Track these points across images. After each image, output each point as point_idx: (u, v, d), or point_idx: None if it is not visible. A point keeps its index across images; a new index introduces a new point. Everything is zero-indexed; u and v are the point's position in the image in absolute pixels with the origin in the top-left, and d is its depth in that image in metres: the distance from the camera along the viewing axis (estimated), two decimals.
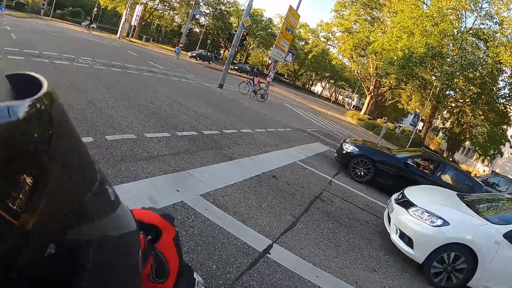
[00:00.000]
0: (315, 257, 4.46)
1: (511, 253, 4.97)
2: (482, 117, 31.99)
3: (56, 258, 0.42)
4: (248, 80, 20.84)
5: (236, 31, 21.52)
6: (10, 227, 0.35)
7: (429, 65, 30.39)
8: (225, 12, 66.38)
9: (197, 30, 67.37)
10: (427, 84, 31.50)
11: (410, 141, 25.89)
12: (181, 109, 9.95)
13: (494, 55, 26.59)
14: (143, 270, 0.65)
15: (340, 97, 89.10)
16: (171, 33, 74.05)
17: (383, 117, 45.82)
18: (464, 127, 37.68)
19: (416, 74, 30.39)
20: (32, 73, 0.44)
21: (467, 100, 31.06)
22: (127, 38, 48.18)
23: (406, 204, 5.79)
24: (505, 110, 30.96)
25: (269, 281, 3.55)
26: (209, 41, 68.59)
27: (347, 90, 74.68)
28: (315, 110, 32.90)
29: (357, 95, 72.01)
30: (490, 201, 6.90)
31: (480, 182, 10.24)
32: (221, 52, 78.96)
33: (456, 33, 30.02)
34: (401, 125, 49.63)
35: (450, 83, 28.69)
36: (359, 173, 9.61)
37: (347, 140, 10.52)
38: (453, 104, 35.22)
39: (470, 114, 33.40)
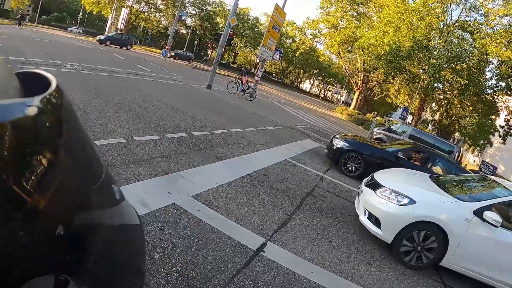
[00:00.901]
0: (310, 253, 4.47)
1: (482, 230, 4.96)
2: (471, 108, 32.36)
3: (65, 239, 0.47)
4: (237, 79, 20.82)
5: (222, 31, 21.47)
6: (24, 203, 0.38)
7: (416, 59, 30.64)
8: (211, 13, 66.24)
9: (184, 31, 67.13)
10: (415, 78, 31.77)
11: None
12: (170, 111, 9.91)
13: (480, 47, 26.90)
14: None
15: (329, 94, 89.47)
16: (157, 35, 73.77)
17: (373, 112, 46.00)
18: (453, 118, 38.01)
19: (403, 68, 30.62)
20: (41, 71, 0.48)
21: (455, 92, 31.39)
22: None
23: (375, 185, 5.80)
24: (493, 101, 31.29)
25: (264, 279, 3.55)
26: (196, 42, 68.49)
27: (335, 86, 75.01)
28: (304, 107, 32.99)
29: (345, 91, 72.33)
30: (463, 181, 6.88)
31: (470, 172, 10.37)
32: (208, 52, 78.81)
33: (442, 26, 30.32)
34: (390, 119, 49.92)
35: (437, 76, 28.95)
36: (350, 168, 9.66)
37: (337, 136, 10.57)
38: (441, 96, 35.58)
39: (459, 106, 33.76)
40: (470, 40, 29.58)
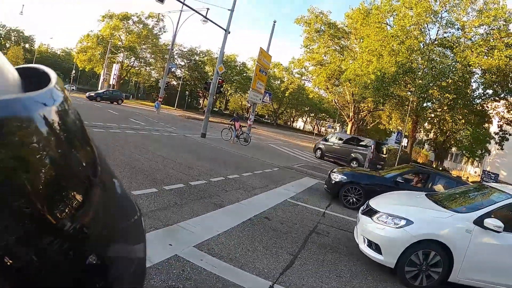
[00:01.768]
0: None
1: (486, 238, 4.93)
2: (463, 121, 32.55)
3: (95, 268, 0.48)
4: (230, 126, 21.05)
5: (212, 79, 21.94)
6: (51, 226, 0.39)
7: (402, 82, 31.15)
8: (200, 62, 67.85)
9: (175, 82, 68.44)
10: (404, 101, 32.14)
11: (397, 159, 26.12)
12: (166, 162, 9.97)
13: (462, 60, 27.47)
14: None
15: (323, 129, 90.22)
16: (149, 88, 75.09)
17: None
18: (447, 134, 38.23)
19: (391, 93, 31.03)
20: (40, 66, 0.49)
21: (445, 108, 31.66)
22: None
23: (371, 212, 5.77)
24: (483, 110, 31.63)
25: None
26: (187, 92, 69.62)
27: (328, 121, 75.75)
28: (300, 145, 33.20)
29: (339, 124, 72.93)
30: (459, 194, 6.84)
31: (471, 184, 10.36)
32: (200, 101, 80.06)
33: (423, 46, 31.04)
34: (386, 145, 50.13)
35: (425, 95, 29.32)
36: (350, 200, 9.64)
37: (335, 170, 10.62)
38: (432, 115, 35.85)
39: (451, 121, 33.95)
40: (451, 55, 30.20)
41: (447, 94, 29.39)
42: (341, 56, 43.11)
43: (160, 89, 37.91)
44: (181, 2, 22.02)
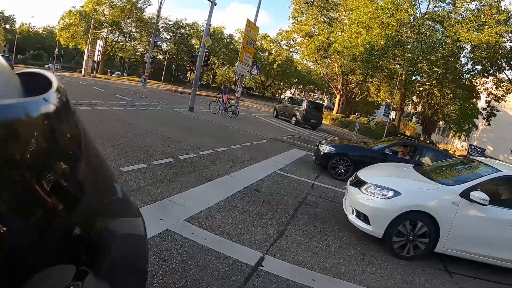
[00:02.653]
0: (309, 261, 4.48)
1: (471, 211, 5.05)
2: (451, 95, 32.79)
3: (81, 240, 0.50)
4: (218, 98, 20.90)
5: (198, 52, 21.62)
6: (44, 202, 0.41)
7: (391, 55, 31.11)
8: (186, 35, 66.65)
9: (161, 56, 67.27)
10: (392, 74, 32.16)
11: (385, 132, 26.35)
12: (154, 137, 9.90)
13: (452, 35, 27.46)
14: None
15: None
16: (135, 64, 73.88)
17: (356, 113, 46.43)
18: (435, 108, 38.49)
19: (380, 66, 31.01)
20: (41, 71, 0.50)
21: (433, 82, 31.82)
22: (92, 74, 47.75)
23: (359, 183, 5.85)
24: (471, 85, 31.84)
25: None
26: (174, 66, 68.62)
27: (316, 93, 75.61)
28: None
29: (327, 96, 72.88)
30: (447, 166, 6.95)
31: (457, 157, 10.54)
32: (187, 75, 79.06)
33: (412, 20, 30.87)
34: (374, 117, 50.51)
35: (414, 69, 29.41)
36: (339, 171, 9.74)
37: (323, 141, 10.66)
38: (421, 88, 36.05)
39: (439, 95, 34.20)
40: (441, 29, 30.18)
41: (436, 68, 29.47)
42: (330, 28, 42.71)
43: (146, 64, 37.27)
44: None
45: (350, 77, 43.28)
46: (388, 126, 28.70)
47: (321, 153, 10.08)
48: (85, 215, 0.51)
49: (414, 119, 58.22)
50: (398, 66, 31.90)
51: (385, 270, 4.74)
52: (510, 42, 27.11)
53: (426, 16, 31.12)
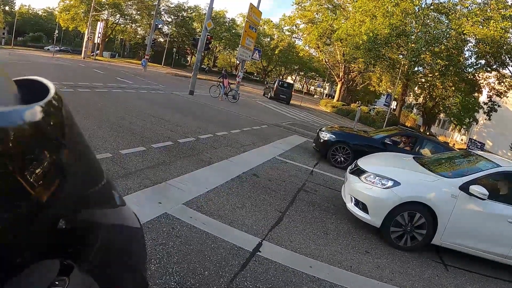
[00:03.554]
0: (306, 248, 4.48)
1: (470, 204, 5.03)
2: (453, 88, 32.61)
3: (66, 232, 0.50)
4: (218, 83, 20.78)
5: (200, 36, 21.42)
6: (28, 196, 0.41)
7: (394, 45, 30.87)
8: (188, 18, 65.87)
9: (162, 39, 66.63)
10: (395, 64, 31.94)
11: (385, 121, 26.29)
12: (154, 120, 9.85)
13: (457, 27, 27.18)
14: None
15: (312, 88, 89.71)
16: (135, 46, 73.18)
17: (357, 102, 46.31)
18: (436, 100, 38.30)
19: (383, 55, 30.79)
20: (39, 78, 0.50)
21: (436, 74, 31.60)
22: (91, 57, 47.35)
23: (359, 172, 5.82)
24: (474, 79, 31.65)
25: (263, 279, 3.55)
26: (174, 49, 68.06)
27: (318, 80, 75.26)
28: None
29: (328, 84, 72.56)
30: (447, 159, 6.92)
31: (457, 150, 10.51)
32: (188, 58, 78.46)
33: (418, 10, 30.52)
34: (375, 106, 50.31)
35: (417, 60, 29.16)
36: (338, 159, 9.73)
37: (323, 129, 10.62)
38: (423, 80, 35.82)
39: (441, 87, 34.00)
40: (446, 21, 29.87)
41: (439, 60, 29.24)
42: (334, 15, 42.27)
43: (147, 47, 36.95)
44: None
45: (352, 66, 43.05)
46: (389, 116, 28.61)
47: (321, 140, 10.05)
48: (70, 206, 0.51)
49: (414, 110, 57.98)
50: (401, 56, 31.67)
51: (382, 260, 4.74)
52: None
53: (432, 7, 30.75)
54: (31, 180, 0.41)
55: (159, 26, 53.29)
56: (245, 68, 27.61)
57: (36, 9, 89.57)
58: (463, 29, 26.79)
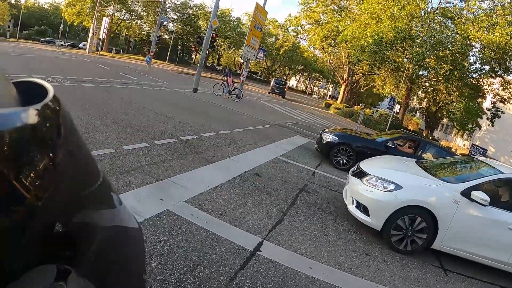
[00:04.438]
0: (306, 248, 4.48)
1: (471, 210, 5.01)
2: (457, 93, 32.53)
3: (63, 236, 0.49)
4: (222, 81, 20.79)
5: (205, 34, 21.42)
6: (23, 200, 0.41)
7: (399, 48, 30.79)
8: (193, 16, 65.86)
9: (167, 36, 66.64)
10: (399, 67, 31.87)
11: (388, 124, 26.22)
12: (157, 117, 9.86)
13: (462, 32, 27.08)
14: None
15: (316, 89, 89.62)
16: (140, 43, 73.32)
17: (360, 104, 46.25)
18: (440, 104, 38.23)
19: (387, 58, 30.72)
20: (38, 80, 0.50)
21: (440, 78, 31.51)
22: (96, 52, 47.41)
23: (361, 174, 5.81)
24: (478, 84, 31.58)
25: (263, 279, 3.55)
26: (179, 47, 68.10)
27: (321, 81, 75.21)
28: (291, 104, 33.06)
29: (332, 85, 72.47)
30: (449, 164, 6.90)
31: (459, 155, 10.50)
32: (192, 56, 78.46)
33: (423, 14, 30.46)
34: (378, 109, 50.26)
35: (422, 64, 29.09)
36: (341, 161, 9.72)
37: (326, 130, 10.61)
38: (427, 84, 35.73)
39: (445, 92, 33.93)
40: (452, 26, 29.77)
41: (443, 65, 29.15)
42: (339, 16, 42.24)
43: (152, 43, 36.91)
44: None
45: (357, 68, 43.00)
46: (392, 119, 28.55)
47: (324, 142, 10.05)
48: (66, 209, 0.50)
49: (418, 114, 57.93)
50: (406, 59, 31.58)
51: (382, 263, 4.74)
52: None
53: (438, 11, 30.68)
54: (27, 184, 0.41)
55: (165, 23, 53.25)
56: (249, 67, 27.59)
57: (42, 3, 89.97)
58: (468, 34, 26.70)
